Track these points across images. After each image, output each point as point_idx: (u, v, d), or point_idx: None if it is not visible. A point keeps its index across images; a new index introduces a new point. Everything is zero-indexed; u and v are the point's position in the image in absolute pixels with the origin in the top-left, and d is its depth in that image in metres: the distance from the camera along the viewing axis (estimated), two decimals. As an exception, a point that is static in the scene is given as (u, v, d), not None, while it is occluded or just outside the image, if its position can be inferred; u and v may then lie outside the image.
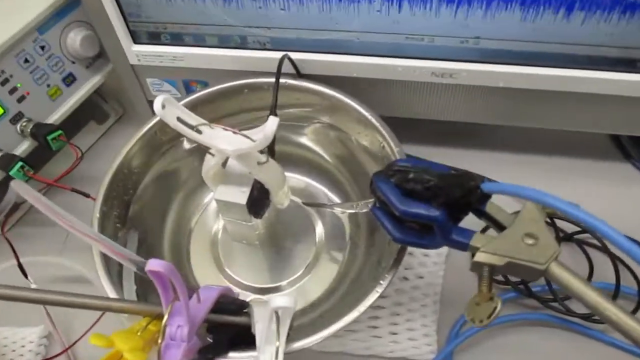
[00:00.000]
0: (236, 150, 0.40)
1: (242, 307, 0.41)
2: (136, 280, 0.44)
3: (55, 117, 0.58)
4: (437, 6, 0.47)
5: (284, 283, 0.52)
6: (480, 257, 0.34)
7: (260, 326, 0.39)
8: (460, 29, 0.49)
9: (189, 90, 0.60)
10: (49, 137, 0.53)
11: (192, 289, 0.42)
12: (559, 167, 0.62)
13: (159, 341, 0.35)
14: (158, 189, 0.52)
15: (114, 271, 0.44)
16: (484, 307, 0.33)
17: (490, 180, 0.35)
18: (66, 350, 0.51)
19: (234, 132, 0.41)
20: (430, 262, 0.53)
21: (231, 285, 0.52)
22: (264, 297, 0.50)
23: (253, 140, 0.40)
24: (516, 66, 0.51)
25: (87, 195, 0.51)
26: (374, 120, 0.49)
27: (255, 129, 0.40)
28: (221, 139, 0.41)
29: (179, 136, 0.53)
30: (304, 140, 0.56)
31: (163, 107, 0.39)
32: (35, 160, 0.56)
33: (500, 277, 0.52)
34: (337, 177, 0.56)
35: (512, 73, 0.51)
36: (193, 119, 0.41)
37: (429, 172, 0.36)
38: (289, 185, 0.48)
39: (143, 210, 0.51)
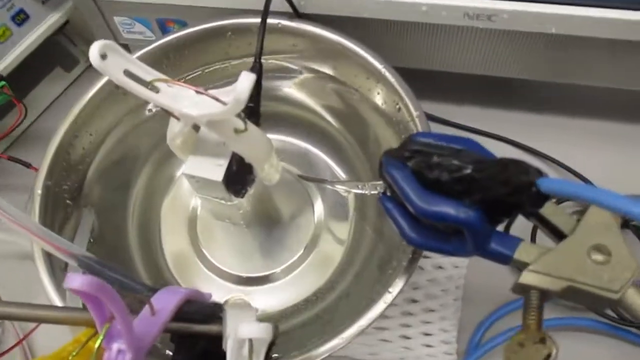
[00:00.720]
0: (203, 116, 0.31)
1: (213, 316, 0.33)
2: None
3: (4, 63, 0.48)
4: None
5: (275, 272, 0.43)
6: (528, 278, 0.25)
7: (231, 344, 0.30)
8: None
9: (165, 32, 0.49)
10: (-11, 89, 0.43)
11: (151, 290, 0.33)
12: (608, 132, 0.51)
13: None
14: (121, 156, 0.43)
15: (59, 265, 0.35)
16: (531, 351, 0.23)
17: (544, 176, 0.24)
18: (21, 341, 0.44)
19: (198, 92, 0.30)
20: (447, 263, 0.44)
21: (211, 274, 0.43)
22: (245, 297, 0.42)
23: (224, 103, 0.30)
24: (574, 7, 0.39)
25: (27, 165, 0.41)
26: (388, 74, 0.38)
27: (228, 88, 0.30)
28: (184, 101, 0.31)
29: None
30: (300, 96, 0.45)
31: (103, 56, 0.29)
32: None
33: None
34: (342, 144, 0.46)
35: (568, 16, 0.40)
36: (147, 72, 0.31)
37: (461, 155, 0.26)
38: (278, 156, 0.38)
39: (102, 183, 0.41)
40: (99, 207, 0.41)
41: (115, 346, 0.27)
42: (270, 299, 0.42)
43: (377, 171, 0.30)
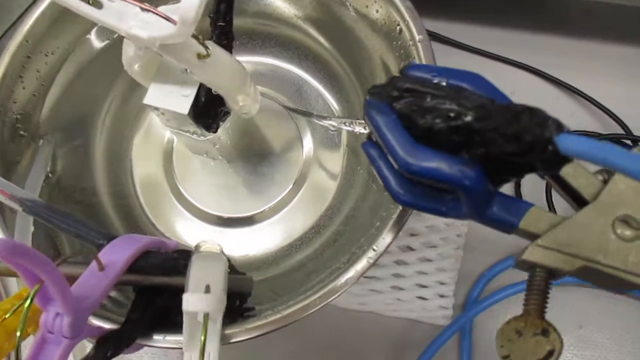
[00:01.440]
0: (153, 39, 0.25)
1: (175, 268, 0.29)
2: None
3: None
4: None
5: (259, 212, 0.39)
6: (535, 254, 0.20)
7: (193, 301, 0.27)
8: None
9: None
10: None
11: (108, 238, 0.30)
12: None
13: (18, 333, 0.23)
14: (84, 81, 0.38)
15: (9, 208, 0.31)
16: (530, 343, 0.19)
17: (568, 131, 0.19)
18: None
19: (144, 9, 0.25)
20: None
21: (188, 214, 0.39)
22: (222, 241, 0.38)
23: (173, 23, 0.24)
24: None
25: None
26: None
27: (178, 4, 0.24)
28: (131, 19, 0.26)
29: None
30: (287, 11, 0.39)
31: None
32: None
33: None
34: (336, 71, 0.40)
35: None
36: (84, -17, 0.25)
37: (462, 97, 0.20)
38: (254, 84, 0.33)
39: (62, 112, 0.37)
40: (60, 139, 0.36)
41: (52, 309, 0.24)
42: (252, 243, 0.38)
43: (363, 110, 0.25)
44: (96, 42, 0.37)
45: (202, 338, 0.24)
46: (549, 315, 0.20)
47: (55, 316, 0.24)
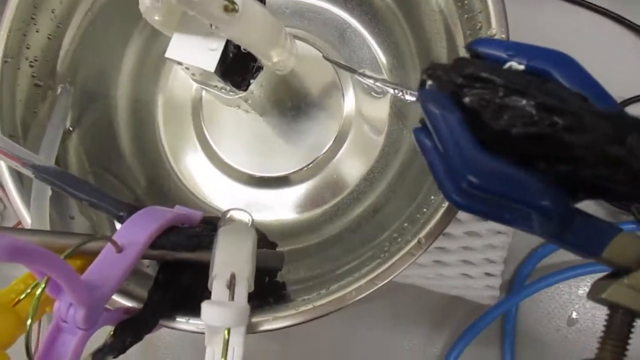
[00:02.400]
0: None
1: (198, 245, 0.27)
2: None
3: None
4: None
5: (292, 172, 0.36)
6: (618, 293, 0.16)
7: (217, 286, 0.25)
8: None
9: None
10: None
11: (127, 209, 0.27)
12: None
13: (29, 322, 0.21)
14: (105, 17, 0.34)
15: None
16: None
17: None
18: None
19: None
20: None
21: (220, 173, 0.36)
22: (247, 213, 0.35)
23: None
24: None
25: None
26: None
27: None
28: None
29: None
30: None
31: None
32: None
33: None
34: (382, 10, 0.35)
35: None
36: None
37: (545, 93, 0.16)
38: (292, 38, 0.29)
39: (81, 57, 0.33)
40: (79, 89, 0.33)
41: (65, 298, 0.22)
42: (285, 206, 0.35)
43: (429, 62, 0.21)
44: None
45: (226, 334, 0.22)
46: None
47: (69, 306, 0.22)
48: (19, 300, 0.23)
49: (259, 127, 0.36)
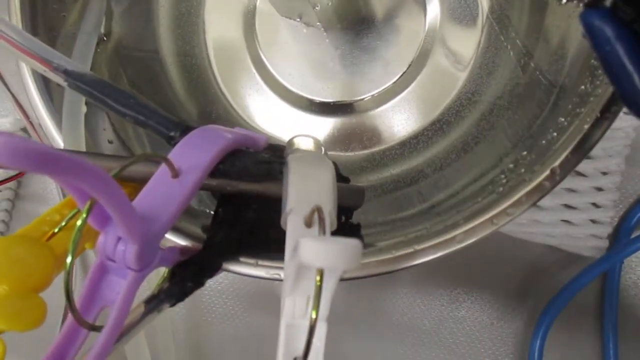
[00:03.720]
0: None
1: (267, 173, 0.22)
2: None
3: None
4: None
5: (362, 99, 0.30)
6: None
7: (295, 223, 0.20)
8: None
9: None
10: None
11: (179, 128, 0.22)
12: None
13: (68, 260, 0.17)
14: None
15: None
16: None
17: None
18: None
19: None
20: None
21: (274, 95, 0.31)
22: (317, 140, 0.30)
23: None
24: None
25: None
26: None
27: None
28: None
29: None
30: None
31: None
32: None
33: None
34: None
35: None
36: None
37: None
38: None
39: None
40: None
41: (112, 230, 0.17)
42: (353, 136, 0.30)
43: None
44: None
45: (318, 279, 0.18)
46: None
47: (117, 241, 0.17)
48: (53, 234, 0.19)
49: (321, 45, 0.31)
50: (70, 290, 0.16)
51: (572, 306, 0.30)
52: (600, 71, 0.20)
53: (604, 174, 0.28)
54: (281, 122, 0.31)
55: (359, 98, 0.30)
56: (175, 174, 0.19)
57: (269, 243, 0.22)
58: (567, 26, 0.23)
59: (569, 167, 0.19)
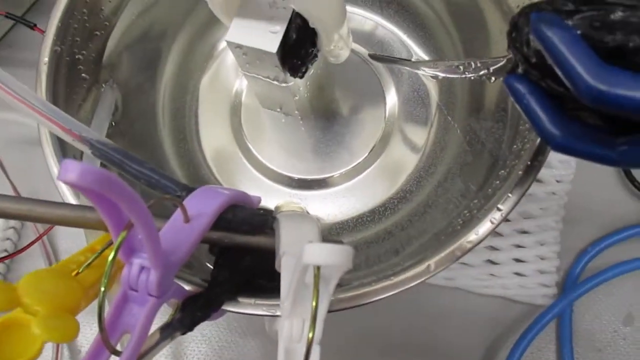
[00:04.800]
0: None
1: (263, 226, 0.25)
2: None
3: None
4: None
5: (334, 175, 0.35)
6: None
7: (288, 264, 0.23)
8: None
9: None
10: None
11: (185, 189, 0.26)
12: None
13: (102, 289, 0.19)
14: (149, 23, 0.34)
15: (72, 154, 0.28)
16: None
17: None
18: (39, 238, 0.38)
19: None
20: (555, 160, 0.35)
21: (259, 175, 0.36)
22: (300, 202, 0.34)
23: None
24: None
25: (31, 26, 0.33)
26: None
27: None
28: None
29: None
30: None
31: None
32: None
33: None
34: (431, 21, 0.36)
35: None
36: None
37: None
38: (349, 30, 0.29)
39: (126, 56, 0.33)
40: (123, 87, 0.33)
41: (136, 261, 0.20)
42: (328, 206, 0.35)
43: (482, 50, 0.21)
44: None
45: (314, 302, 0.21)
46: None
47: (140, 270, 0.20)
48: (78, 273, 0.22)
49: (298, 132, 0.36)
50: (102, 314, 0.19)
51: (531, 353, 0.33)
52: (527, 132, 0.25)
53: (545, 230, 0.33)
54: (266, 196, 0.35)
55: (330, 175, 0.35)
56: (187, 219, 0.23)
57: (263, 286, 0.25)
58: (501, 100, 0.29)
59: (511, 205, 0.24)
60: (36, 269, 0.20)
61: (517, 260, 0.33)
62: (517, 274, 0.33)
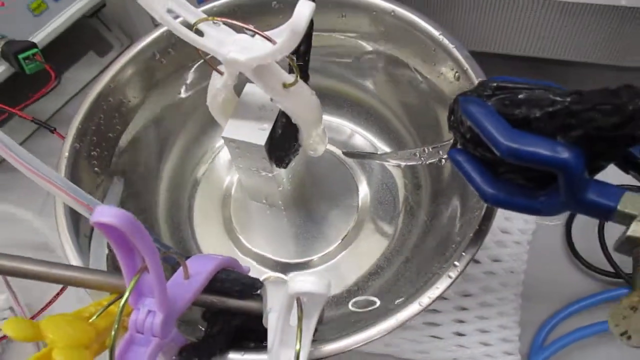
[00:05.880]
0: (251, 60, 0.28)
1: (252, 288, 0.29)
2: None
3: (38, 37, 0.46)
4: None
5: (313, 258, 0.39)
6: (638, 230, 0.21)
7: (275, 317, 0.26)
8: None
9: (204, 9, 0.47)
10: (21, 56, 0.41)
11: (185, 258, 0.30)
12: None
13: (113, 333, 0.22)
14: (153, 131, 0.40)
15: (86, 229, 0.32)
16: (648, 314, 0.19)
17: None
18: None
19: (247, 29, 0.28)
20: (510, 241, 0.39)
21: (246, 258, 0.39)
22: (285, 276, 0.38)
23: (274, 43, 0.27)
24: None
25: (51, 130, 0.39)
26: (444, 40, 0.35)
27: (281, 27, 0.27)
28: (230, 45, 0.28)
29: (186, 60, 0.40)
30: (348, 74, 0.42)
31: (147, -10, 0.27)
32: (13, 94, 0.45)
33: (607, 268, 0.39)
34: (394, 125, 0.42)
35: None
36: (191, 12, 0.29)
37: (553, 89, 0.22)
38: (325, 129, 0.35)
39: (133, 154, 0.39)
40: (128, 180, 0.38)
41: (144, 306, 0.24)
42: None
43: (447, 121, 0.27)
44: (166, 99, 0.40)
45: (297, 346, 0.24)
46: None
47: (147, 314, 0.24)
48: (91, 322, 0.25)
49: (281, 221, 0.41)
50: (113, 353, 0.22)
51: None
52: (476, 205, 0.30)
53: (505, 303, 0.37)
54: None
55: (309, 259, 0.39)
56: (187, 276, 0.26)
57: (247, 345, 0.28)
58: (454, 179, 0.34)
59: (466, 261, 0.28)
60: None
61: (482, 331, 0.36)
62: (483, 343, 0.36)
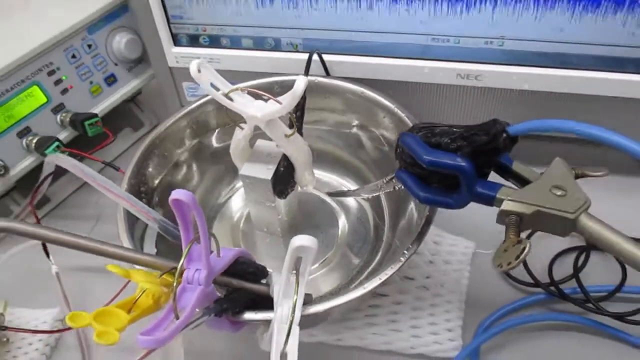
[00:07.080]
0: (265, 115, 0.42)
1: (261, 272, 0.41)
2: (157, 245, 0.44)
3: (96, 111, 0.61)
4: (463, 6, 0.50)
5: (304, 275, 0.51)
6: (507, 205, 0.34)
7: (278, 287, 0.38)
8: (486, 28, 0.51)
9: (221, 93, 0.62)
10: (86, 123, 0.55)
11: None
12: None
13: (174, 284, 0.34)
14: (182, 179, 0.54)
15: (137, 235, 0.44)
16: (512, 251, 0.32)
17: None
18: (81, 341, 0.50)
19: (260, 94, 0.42)
20: (455, 260, 0.52)
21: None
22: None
23: (281, 104, 0.41)
24: (541, 68, 0.52)
25: (116, 168, 0.52)
26: (395, 109, 0.50)
27: (284, 95, 0.42)
28: (251, 107, 0.42)
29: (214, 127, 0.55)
30: (331, 139, 0.57)
31: (199, 70, 0.41)
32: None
33: (529, 280, 0.51)
34: (364, 171, 0.56)
35: (536, 75, 0.52)
36: (226, 85, 0.43)
37: (455, 126, 0.36)
38: (313, 171, 0.49)
39: (165, 193, 0.51)
40: (165, 210, 0.50)
41: (193, 266, 0.35)
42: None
43: (394, 152, 0.40)
44: (198, 152, 0.54)
45: (296, 287, 0.35)
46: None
47: (195, 271, 0.35)
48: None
49: (279, 246, 0.53)
50: (175, 297, 0.33)
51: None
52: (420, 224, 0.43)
53: (451, 305, 0.48)
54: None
55: (303, 275, 0.51)
56: (219, 255, 0.38)
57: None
58: (409, 201, 0.48)
59: (412, 251, 0.40)
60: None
61: (432, 324, 0.48)
62: (433, 333, 0.47)
